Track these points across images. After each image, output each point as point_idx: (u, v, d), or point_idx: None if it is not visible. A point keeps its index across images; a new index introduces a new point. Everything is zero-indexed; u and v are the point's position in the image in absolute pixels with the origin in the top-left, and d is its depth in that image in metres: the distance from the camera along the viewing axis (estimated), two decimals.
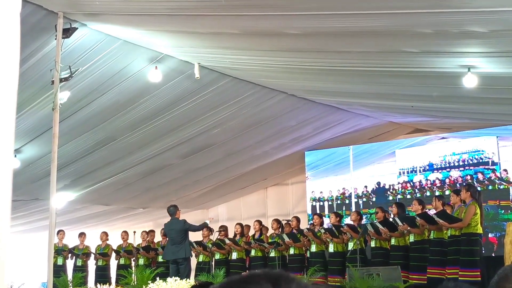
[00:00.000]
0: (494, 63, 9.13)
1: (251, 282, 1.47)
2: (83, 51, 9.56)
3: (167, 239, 13.49)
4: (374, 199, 16.43)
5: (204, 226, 13.32)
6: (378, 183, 16.56)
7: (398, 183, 16.16)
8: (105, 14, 8.63)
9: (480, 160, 14.85)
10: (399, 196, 15.92)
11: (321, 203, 16.80)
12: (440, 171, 15.56)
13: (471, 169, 15.03)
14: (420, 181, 15.95)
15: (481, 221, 10.47)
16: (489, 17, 7.11)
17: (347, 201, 16.88)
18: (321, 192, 16.76)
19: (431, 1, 6.83)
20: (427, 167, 15.76)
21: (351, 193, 16.88)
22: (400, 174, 16.22)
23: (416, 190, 15.84)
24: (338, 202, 16.80)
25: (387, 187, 16.42)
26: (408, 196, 15.55)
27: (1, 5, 1.56)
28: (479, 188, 12.59)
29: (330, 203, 16.87)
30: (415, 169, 16.05)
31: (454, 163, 15.37)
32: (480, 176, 14.86)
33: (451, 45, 8.48)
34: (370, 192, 16.61)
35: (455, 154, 15.24)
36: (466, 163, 15.12)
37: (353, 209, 15.92)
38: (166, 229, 13.30)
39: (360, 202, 16.66)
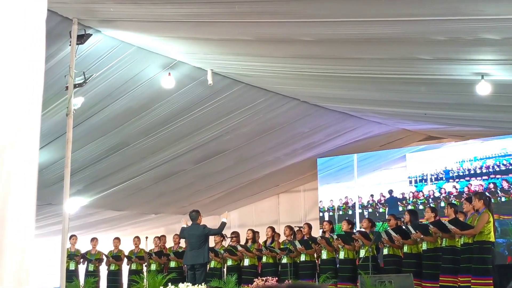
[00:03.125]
0: (508, 71, 9.09)
1: None
2: (97, 57, 9.61)
3: (187, 244, 13.37)
4: (381, 210, 16.02)
5: (223, 226, 13.12)
6: (391, 191, 16.18)
7: (410, 192, 15.63)
8: (119, 20, 8.68)
9: (510, 167, 14.18)
10: (409, 207, 15.29)
11: (330, 213, 16.58)
12: (457, 180, 14.95)
13: (497, 178, 14.34)
14: (432, 191, 15.37)
15: (494, 229, 10.43)
16: (503, 24, 7.10)
17: (350, 212, 16.52)
18: (331, 200, 16.64)
19: (445, 8, 6.82)
20: (442, 174, 15.21)
21: (355, 203, 16.61)
22: (411, 182, 15.70)
23: (430, 200, 15.36)
24: (340, 213, 16.29)
25: (399, 196, 15.92)
26: (421, 207, 15.05)
27: (28, 13, 1.59)
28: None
29: (331, 213, 16.48)
30: (425, 177, 15.55)
31: (475, 170, 14.71)
32: (505, 184, 14.26)
33: (465, 52, 8.46)
34: (376, 202, 16.18)
35: (476, 159, 14.71)
36: (490, 170, 14.50)
37: (357, 221, 15.64)
38: (186, 234, 13.13)
39: (366, 212, 16.12)
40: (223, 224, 12.98)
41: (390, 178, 16.19)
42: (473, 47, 8.17)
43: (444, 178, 15.26)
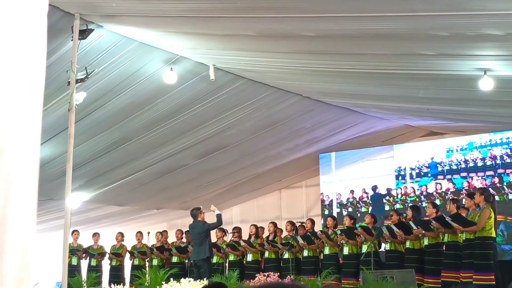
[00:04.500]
0: (510, 66, 9.09)
1: None
2: (99, 52, 9.61)
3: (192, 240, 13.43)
4: (362, 209, 15.47)
5: (220, 218, 13.13)
6: (374, 188, 15.60)
7: (398, 187, 14.98)
8: (121, 15, 8.67)
9: None
10: (397, 206, 14.83)
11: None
12: (455, 175, 14.31)
13: (504, 173, 13.60)
14: (425, 186, 14.71)
15: (494, 225, 10.43)
16: (506, 20, 7.09)
17: (326, 211, 16.08)
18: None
19: (447, 4, 6.81)
20: (437, 168, 14.65)
21: (332, 200, 16.18)
22: (397, 177, 14.99)
23: (422, 197, 14.84)
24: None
25: (383, 192, 15.21)
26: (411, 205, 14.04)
27: (30, 8, 1.58)
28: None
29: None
30: (414, 170, 14.97)
31: (475, 163, 14.02)
32: None
33: (467, 48, 8.45)
34: (358, 200, 15.69)
35: (476, 147, 14.18)
36: (498, 162, 13.78)
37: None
38: (189, 231, 13.31)
39: (344, 212, 15.48)
40: (219, 216, 13.04)
41: (374, 172, 15.55)
42: (476, 43, 8.17)
43: (437, 173, 14.81)
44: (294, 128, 14.05)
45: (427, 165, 15.04)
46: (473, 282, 10.03)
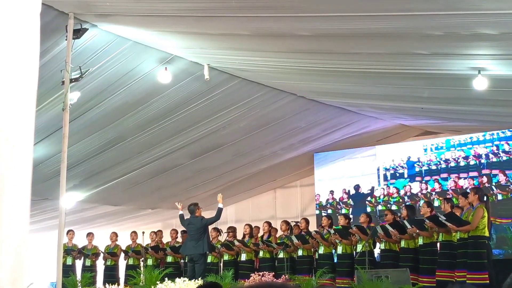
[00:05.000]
0: (505, 66, 9.11)
1: None
2: (93, 52, 9.59)
3: (187, 234, 13.39)
4: (343, 211, 15.38)
5: (220, 212, 13.09)
6: (357, 187, 15.51)
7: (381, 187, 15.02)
8: (115, 15, 8.66)
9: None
10: (379, 207, 14.81)
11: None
12: (442, 175, 14.30)
13: (491, 172, 13.58)
14: (409, 186, 14.71)
15: (488, 224, 10.44)
16: (500, 19, 7.10)
17: (317, 212, 16.06)
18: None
19: (442, 3, 6.82)
20: (415, 167, 14.71)
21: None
22: (380, 177, 14.97)
23: (406, 198, 14.83)
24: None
25: (365, 191, 15.11)
26: (394, 207, 14.34)
27: (23, 7, 1.58)
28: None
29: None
30: (397, 169, 15.00)
31: (458, 162, 14.14)
32: (502, 178, 13.45)
33: (462, 47, 8.47)
34: (338, 201, 15.64)
35: (461, 145, 14.31)
36: (479, 162, 13.90)
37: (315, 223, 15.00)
38: (185, 224, 13.21)
39: (324, 213, 15.39)
40: (219, 210, 12.97)
41: (356, 172, 15.50)
42: (470, 42, 8.18)
43: (421, 173, 14.80)
44: (289, 127, 14.06)
45: (406, 165, 15.17)
46: (467, 281, 10.03)
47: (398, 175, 15.08)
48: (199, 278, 10.94)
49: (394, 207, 14.38)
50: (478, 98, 10.78)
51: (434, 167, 14.64)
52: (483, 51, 8.59)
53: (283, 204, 18.21)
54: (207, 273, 12.67)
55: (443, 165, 14.49)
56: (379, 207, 14.87)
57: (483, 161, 14.00)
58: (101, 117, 11.74)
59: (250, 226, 14.21)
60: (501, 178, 13.71)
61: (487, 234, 10.39)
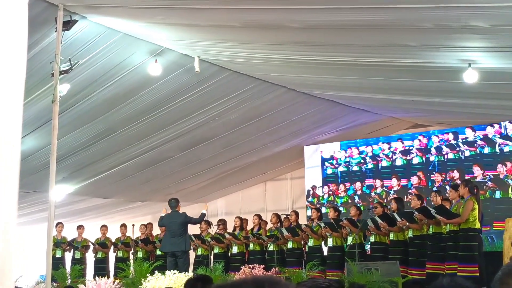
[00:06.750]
0: (495, 58, 9.12)
1: (239, 286, 1.51)
2: (83, 44, 9.54)
3: (166, 231, 13.44)
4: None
5: (203, 217, 13.32)
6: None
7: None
8: (105, 6, 8.61)
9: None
10: (323, 209, 14.75)
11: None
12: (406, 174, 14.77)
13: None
14: (360, 185, 15.17)
15: (479, 216, 10.47)
16: (490, 12, 7.10)
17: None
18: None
19: None
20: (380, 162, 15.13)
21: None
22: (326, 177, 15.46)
23: (356, 199, 15.17)
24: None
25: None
26: (341, 209, 14.29)
27: None
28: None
29: None
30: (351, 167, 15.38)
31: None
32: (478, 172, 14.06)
33: (452, 39, 8.47)
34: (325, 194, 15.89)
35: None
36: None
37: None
38: (165, 221, 13.26)
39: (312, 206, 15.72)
40: (202, 215, 13.31)
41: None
42: (460, 35, 8.19)
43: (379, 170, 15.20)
44: (279, 120, 14.05)
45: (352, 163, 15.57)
46: (458, 274, 10.07)
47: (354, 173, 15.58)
48: (187, 272, 10.94)
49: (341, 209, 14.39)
50: (469, 91, 10.80)
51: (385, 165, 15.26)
52: (473, 44, 8.60)
53: (273, 197, 18.22)
54: (197, 266, 12.68)
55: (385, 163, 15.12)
56: (323, 209, 14.82)
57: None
58: (91, 109, 11.69)
59: (240, 218, 14.22)
60: (477, 173, 14.01)
61: (478, 226, 10.43)
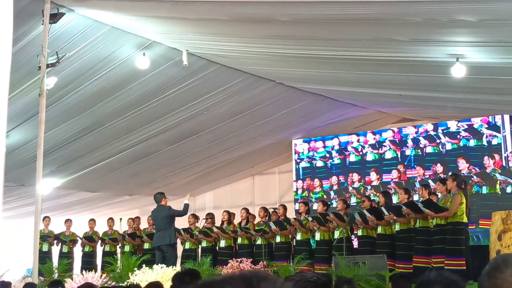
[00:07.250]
0: (483, 53, 9.14)
1: (226, 282, 1.51)
2: (70, 37, 9.50)
3: (154, 226, 13.44)
4: None
5: (187, 207, 13.27)
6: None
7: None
8: None
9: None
10: (296, 206, 14.85)
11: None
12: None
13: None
14: (337, 179, 15.11)
15: (466, 211, 10.51)
16: (478, 6, 7.12)
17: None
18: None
19: None
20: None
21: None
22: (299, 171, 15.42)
23: (332, 194, 15.12)
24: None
25: None
26: (315, 207, 14.09)
27: None
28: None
29: None
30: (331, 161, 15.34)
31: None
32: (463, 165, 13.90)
33: (440, 34, 8.48)
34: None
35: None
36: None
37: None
38: (153, 216, 13.28)
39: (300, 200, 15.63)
40: (186, 206, 13.23)
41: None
42: (449, 29, 8.20)
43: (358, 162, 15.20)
44: (267, 114, 14.04)
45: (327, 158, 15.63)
46: (445, 267, 10.10)
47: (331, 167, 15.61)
48: (175, 266, 10.93)
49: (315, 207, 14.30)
50: (456, 85, 10.82)
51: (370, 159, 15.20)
52: (461, 38, 8.62)
53: (261, 191, 18.22)
54: (185, 259, 12.66)
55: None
56: (296, 206, 14.98)
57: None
58: (78, 103, 11.65)
59: (228, 212, 14.21)
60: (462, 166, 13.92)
61: (465, 220, 10.47)
